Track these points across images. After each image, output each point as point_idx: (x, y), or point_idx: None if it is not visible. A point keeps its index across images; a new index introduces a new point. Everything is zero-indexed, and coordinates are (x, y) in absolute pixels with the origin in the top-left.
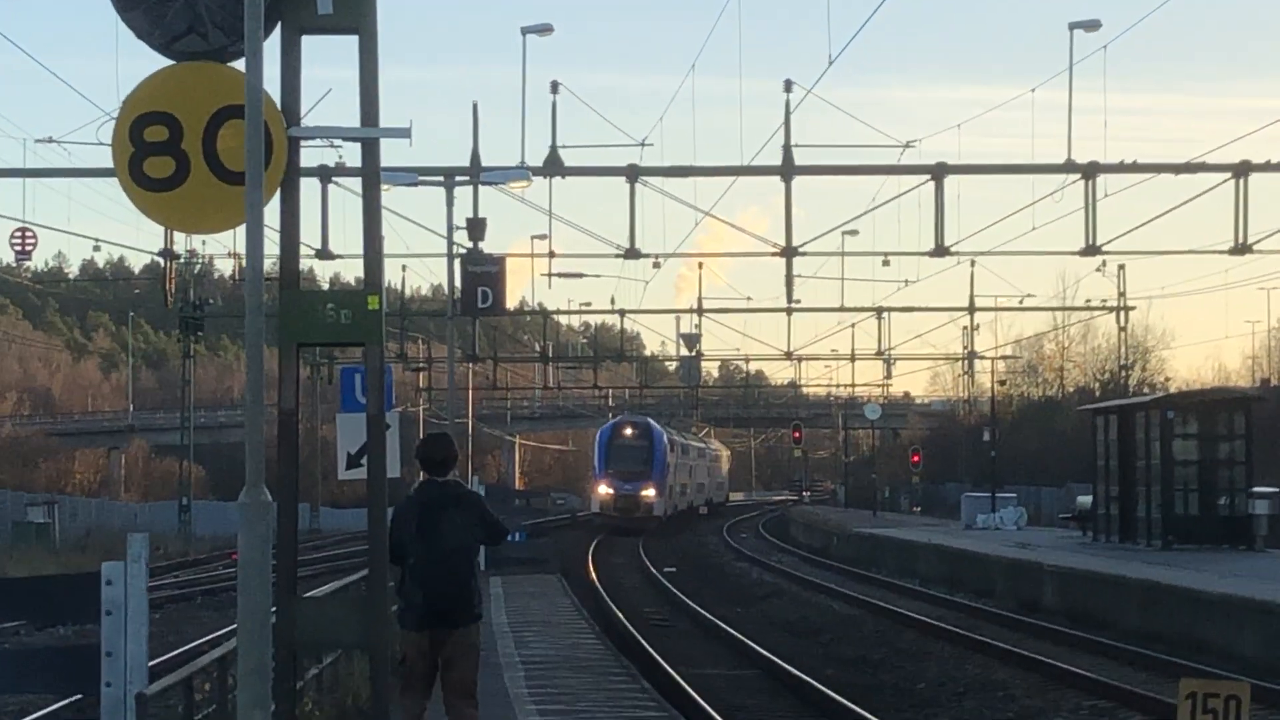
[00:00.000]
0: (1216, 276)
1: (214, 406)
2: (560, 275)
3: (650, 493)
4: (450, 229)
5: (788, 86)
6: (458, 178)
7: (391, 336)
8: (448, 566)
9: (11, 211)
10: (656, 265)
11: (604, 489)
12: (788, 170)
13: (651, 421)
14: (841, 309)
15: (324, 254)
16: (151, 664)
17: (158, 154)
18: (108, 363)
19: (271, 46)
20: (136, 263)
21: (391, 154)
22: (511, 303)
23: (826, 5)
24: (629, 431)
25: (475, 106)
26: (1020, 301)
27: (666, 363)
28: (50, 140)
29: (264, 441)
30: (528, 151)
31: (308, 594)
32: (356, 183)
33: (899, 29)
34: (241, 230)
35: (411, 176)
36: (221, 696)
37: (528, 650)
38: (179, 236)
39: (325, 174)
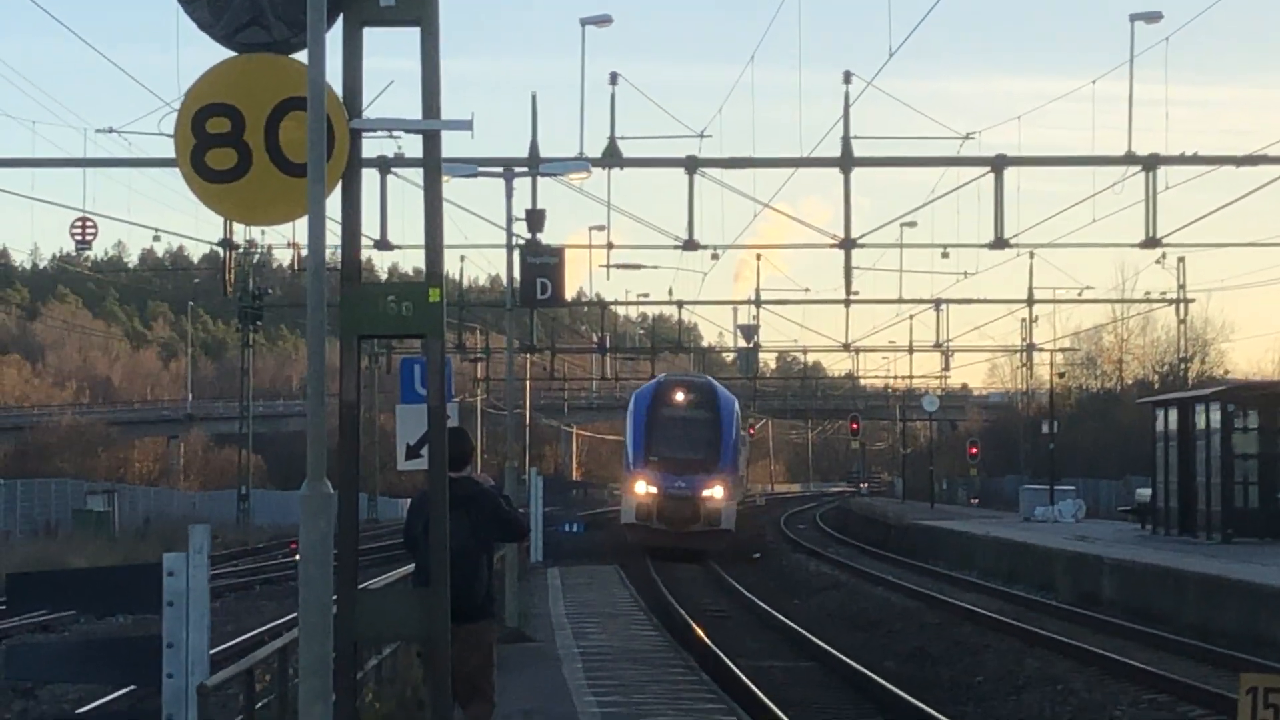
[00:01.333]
0: (1278, 269)
1: (272, 396)
2: (618, 266)
3: (718, 493)
4: (509, 220)
5: (847, 78)
6: (516, 169)
7: (450, 327)
8: (454, 568)
9: (72, 201)
10: (715, 257)
11: (643, 488)
12: (847, 162)
13: (714, 382)
14: (900, 301)
15: (383, 245)
16: (212, 653)
17: (220, 145)
18: (167, 352)
19: (333, 38)
20: (196, 252)
21: (452, 145)
22: (569, 293)
23: None
24: (683, 396)
25: (534, 98)
26: (1079, 294)
27: (724, 354)
28: (110, 130)
29: (326, 433)
30: (586, 143)
31: (367, 585)
32: (415, 173)
33: (959, 21)
34: (302, 222)
35: (471, 168)
36: (282, 687)
37: (586, 642)
38: (238, 227)
39: (384, 165)
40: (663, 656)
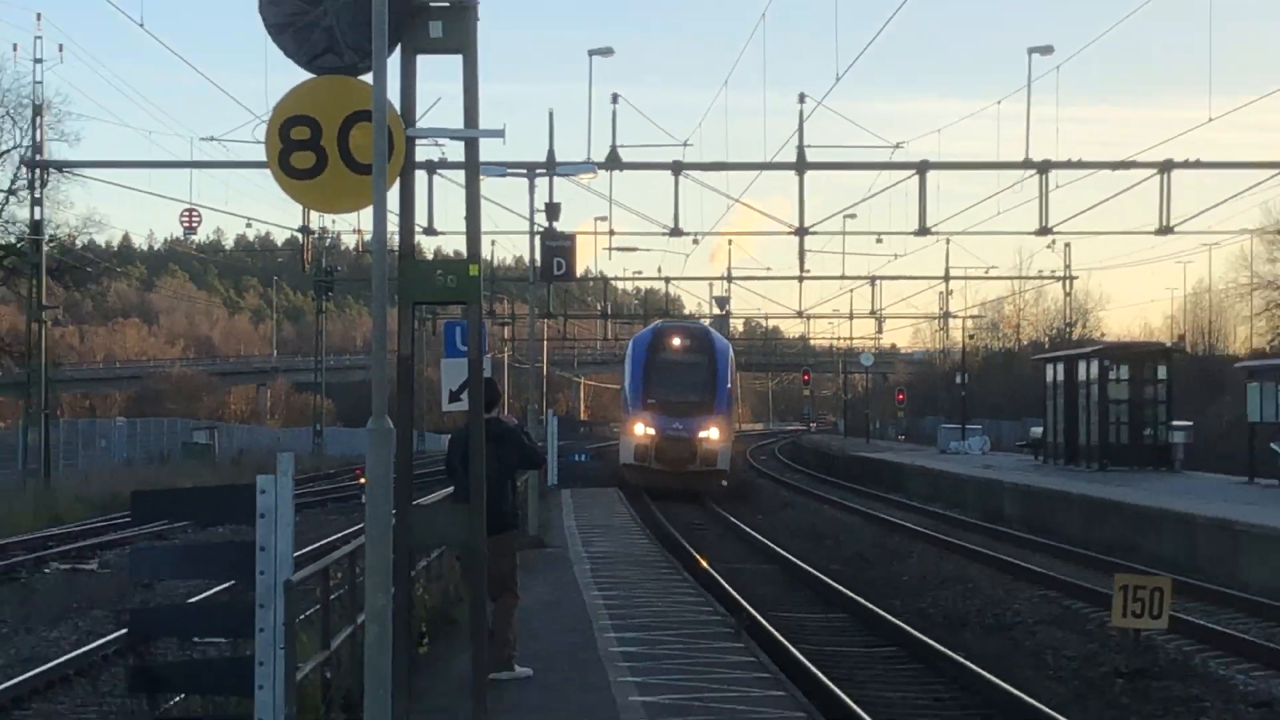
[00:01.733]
0: (1144, 252)
1: (341, 353)
2: (618, 249)
3: (714, 434)
4: (531, 211)
5: (801, 99)
6: (537, 171)
7: (484, 297)
8: (486, 490)
9: (180, 195)
10: (695, 242)
11: (641, 429)
12: (801, 166)
13: (709, 328)
14: (843, 277)
15: (430, 231)
16: (294, 556)
17: (301, 149)
18: (256, 317)
19: (392, 63)
20: (279, 237)
21: (486, 151)
22: (579, 271)
23: (835, 31)
24: (680, 341)
25: (551, 114)
26: (986, 272)
27: (702, 319)
28: (212, 139)
29: (386, 381)
30: (593, 150)
31: (418, 503)
32: (458, 174)
33: (894, 51)
34: (367, 211)
35: (501, 170)
36: (351, 584)
37: (592, 548)
38: (314, 215)
39: (431, 167)
40: (653, 559)
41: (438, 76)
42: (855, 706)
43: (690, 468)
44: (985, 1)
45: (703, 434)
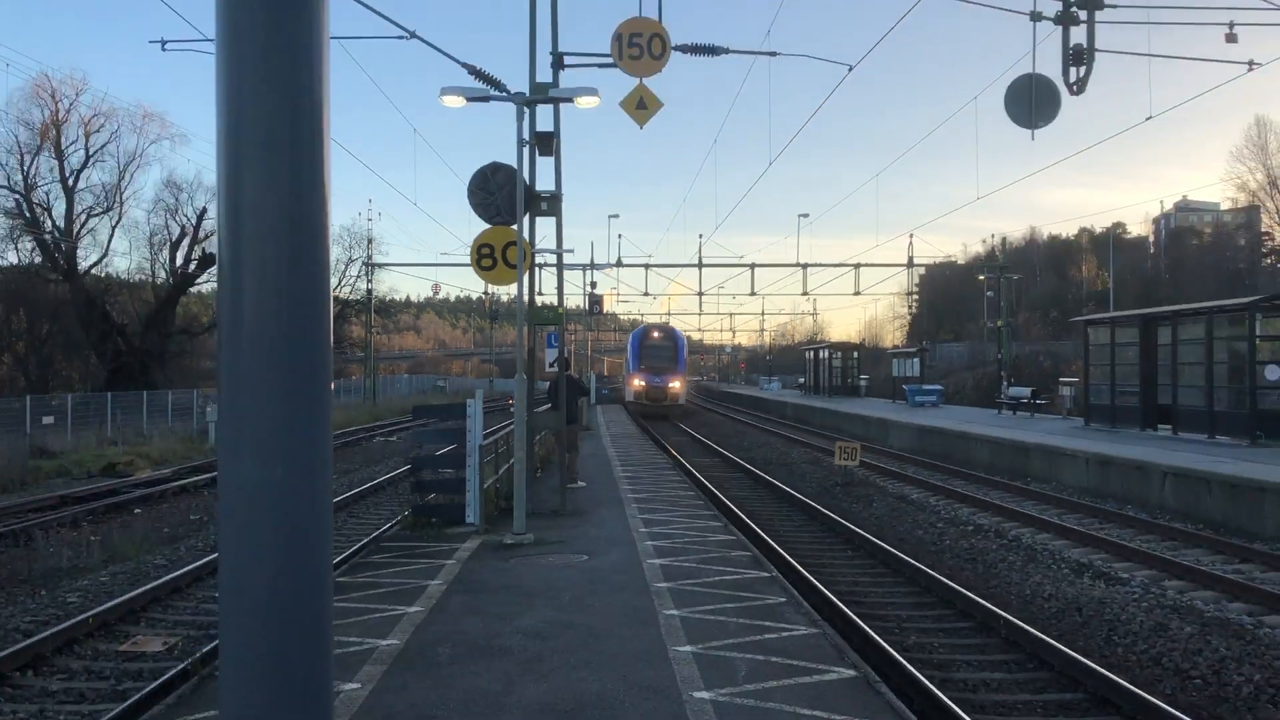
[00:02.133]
0: (848, 301)
1: (504, 347)
2: (620, 300)
3: (676, 385)
4: (587, 289)
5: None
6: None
7: (562, 322)
8: (568, 405)
9: (431, 275)
10: (655, 298)
11: (638, 381)
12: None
13: (674, 327)
14: (719, 313)
15: (537, 294)
16: (487, 432)
17: (486, 258)
18: (465, 330)
19: (525, 221)
20: (474, 295)
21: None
22: (605, 310)
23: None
24: (657, 335)
25: (610, 220)
26: (780, 310)
27: (668, 319)
28: (444, 254)
29: (523, 359)
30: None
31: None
32: (552, 269)
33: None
34: (513, 286)
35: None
36: (507, 446)
37: (612, 430)
38: (489, 287)
39: (540, 265)
40: (640, 435)
41: (545, 224)
42: (719, 493)
43: (664, 402)
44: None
45: (671, 384)
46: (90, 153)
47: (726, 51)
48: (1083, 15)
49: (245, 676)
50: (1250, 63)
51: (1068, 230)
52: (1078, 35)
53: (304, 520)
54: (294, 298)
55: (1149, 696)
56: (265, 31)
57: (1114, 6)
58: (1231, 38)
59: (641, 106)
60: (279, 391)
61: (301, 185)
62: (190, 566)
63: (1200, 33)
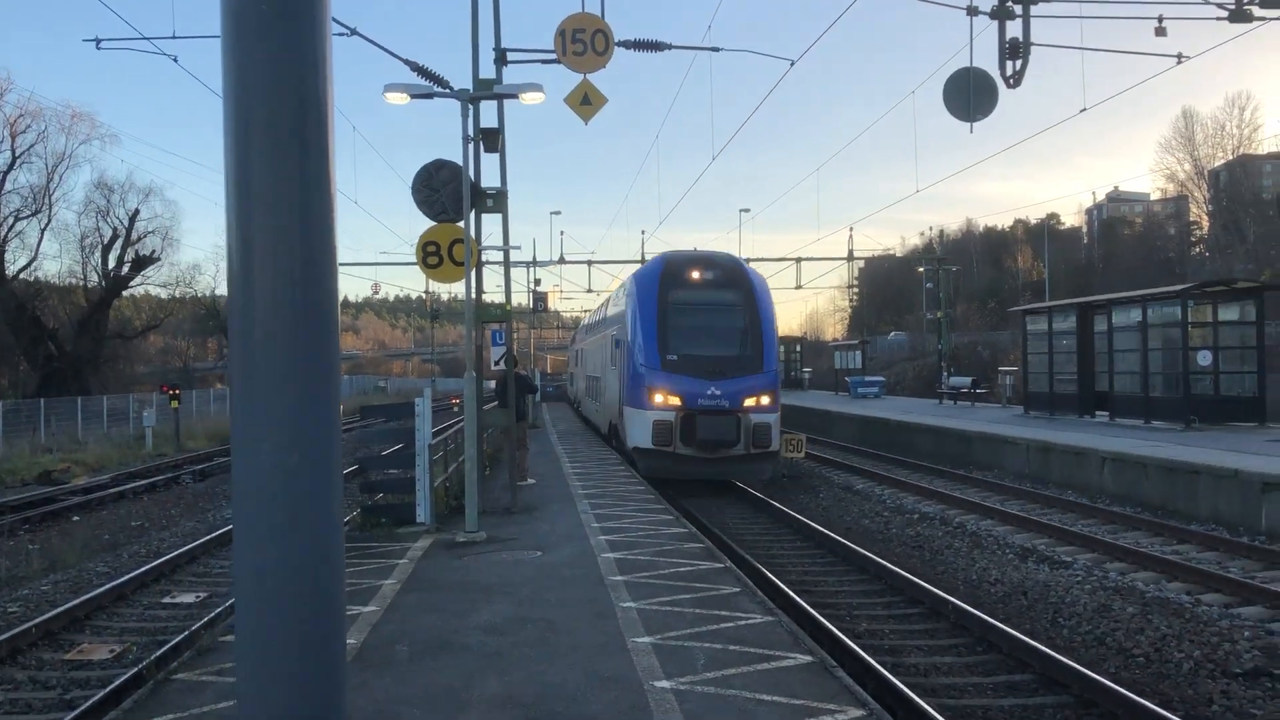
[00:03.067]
0: (790, 295)
1: (445, 346)
2: (564, 298)
3: (765, 402)
4: (530, 287)
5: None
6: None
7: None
8: (518, 401)
9: (370, 275)
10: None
11: (661, 399)
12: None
13: (740, 261)
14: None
15: (482, 292)
16: (432, 430)
17: (432, 255)
18: (404, 329)
19: (470, 217)
20: (414, 294)
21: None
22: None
23: None
24: (704, 273)
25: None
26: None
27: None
28: (385, 252)
29: (472, 357)
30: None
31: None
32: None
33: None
34: (461, 283)
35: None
36: (455, 447)
37: (558, 427)
38: (432, 285)
39: (487, 262)
40: (584, 431)
41: (490, 221)
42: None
43: (734, 450)
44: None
45: (750, 401)
46: (17, 154)
47: (669, 47)
48: (1018, 9)
49: (262, 656)
50: (1179, 56)
51: (1003, 222)
52: (1014, 29)
53: (318, 502)
54: (306, 291)
55: (1095, 675)
56: (272, 31)
57: (1049, 0)
58: (1161, 31)
59: (586, 102)
60: (293, 382)
61: (310, 178)
62: (134, 573)
63: (1131, 27)
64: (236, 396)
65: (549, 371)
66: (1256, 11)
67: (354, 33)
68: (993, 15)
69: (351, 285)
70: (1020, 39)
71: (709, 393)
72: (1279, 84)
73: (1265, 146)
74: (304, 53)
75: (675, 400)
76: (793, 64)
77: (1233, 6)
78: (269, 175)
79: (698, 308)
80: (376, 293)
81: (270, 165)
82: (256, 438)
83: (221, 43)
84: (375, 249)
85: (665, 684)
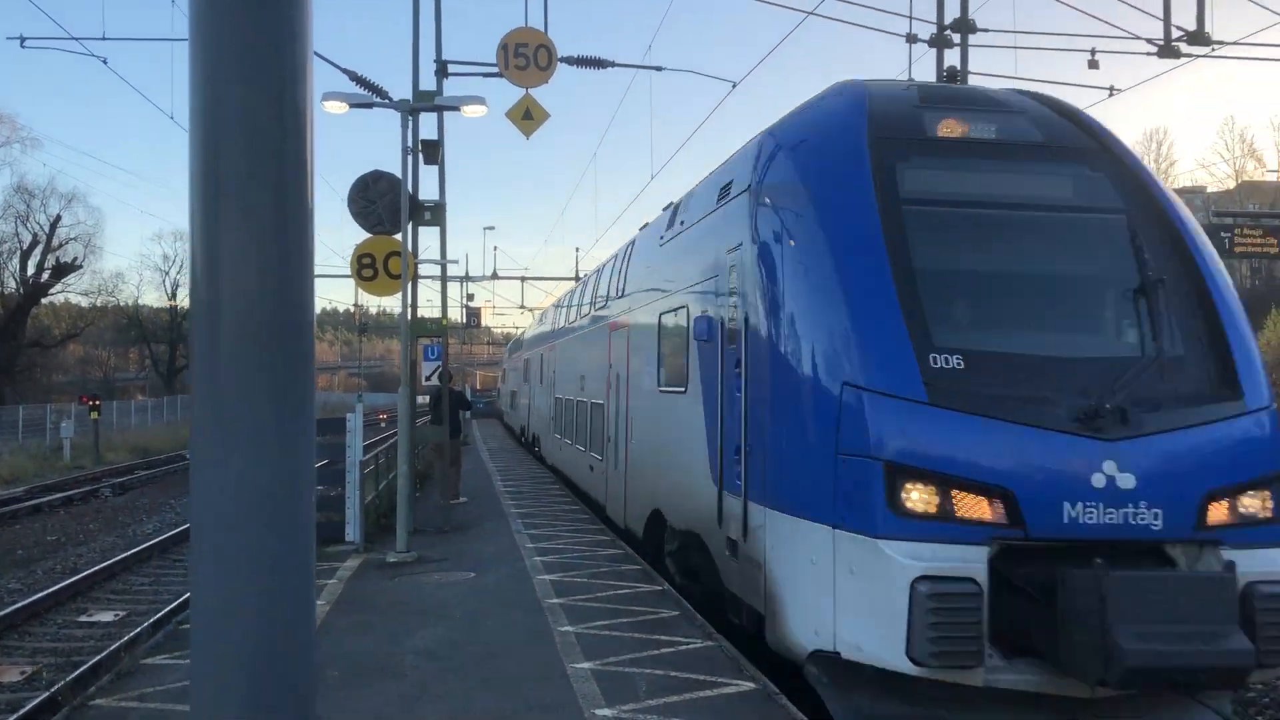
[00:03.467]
0: None
1: (373, 360)
2: (496, 314)
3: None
4: (464, 300)
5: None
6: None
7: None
8: (451, 418)
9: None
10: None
11: (928, 497)
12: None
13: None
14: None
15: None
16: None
17: (367, 268)
18: (331, 342)
19: (409, 230)
20: (342, 308)
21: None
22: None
23: None
24: (1006, 127)
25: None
26: None
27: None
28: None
29: (407, 372)
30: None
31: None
32: (436, 279)
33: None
34: (397, 296)
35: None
36: (387, 459)
37: (489, 444)
38: (362, 297)
39: (419, 276)
40: (515, 447)
41: (429, 235)
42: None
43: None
44: None
45: (1226, 509)
46: None
47: (612, 65)
48: (956, 38)
49: (221, 690)
50: (1111, 88)
51: None
52: (952, 57)
53: (291, 523)
54: (281, 295)
55: None
56: (244, 27)
57: (985, 31)
58: (1094, 64)
59: (528, 117)
60: (266, 395)
61: (287, 180)
62: (49, 590)
63: (1065, 59)
64: (200, 410)
65: (479, 388)
66: (1184, 48)
67: None
68: (931, 43)
69: None
70: (958, 67)
71: (1097, 477)
72: (1194, 120)
73: (1180, 181)
74: (281, 44)
75: (976, 507)
76: (735, 85)
77: (1161, 42)
78: (242, 177)
79: (1003, 223)
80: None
81: (244, 166)
82: (222, 455)
83: (190, 38)
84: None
85: (607, 712)
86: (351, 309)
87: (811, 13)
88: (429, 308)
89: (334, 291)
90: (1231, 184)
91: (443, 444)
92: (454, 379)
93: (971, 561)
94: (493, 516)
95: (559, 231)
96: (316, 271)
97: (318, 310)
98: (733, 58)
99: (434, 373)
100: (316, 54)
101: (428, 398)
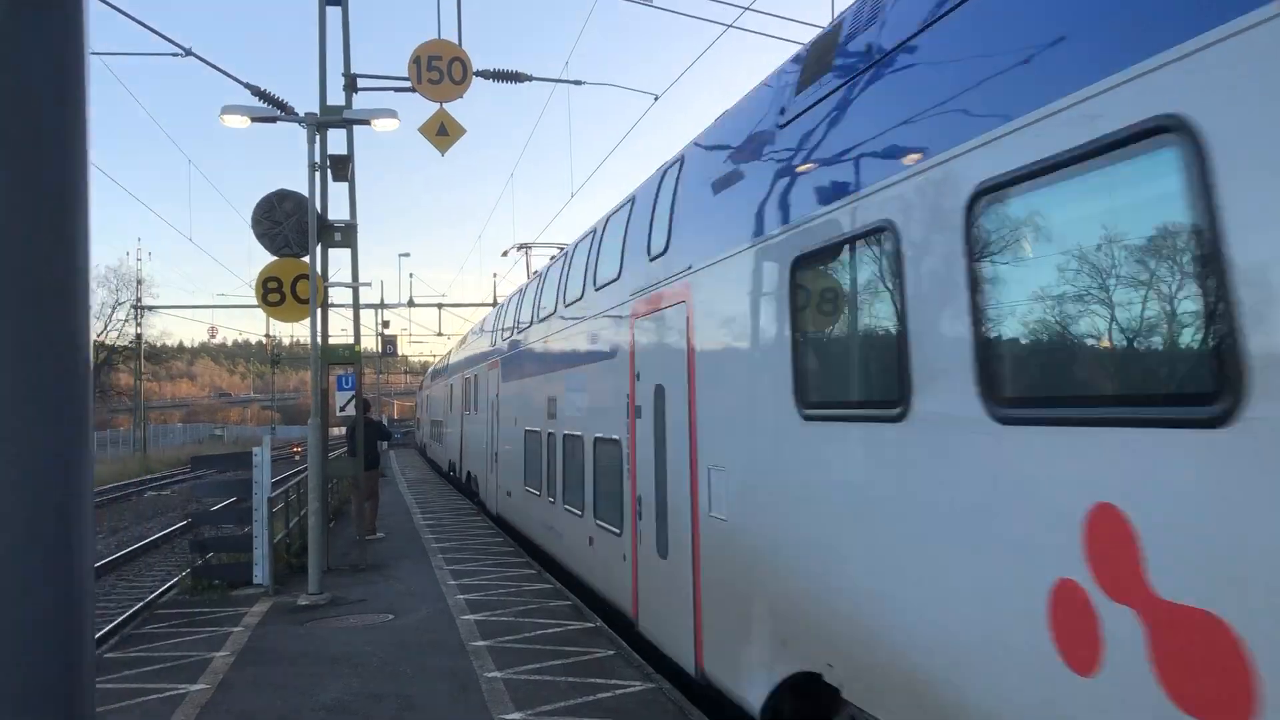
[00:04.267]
0: None
1: (286, 392)
2: (413, 342)
3: None
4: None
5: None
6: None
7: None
8: (367, 450)
9: (207, 317)
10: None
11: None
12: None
13: None
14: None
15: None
16: (272, 481)
17: (273, 292)
18: (243, 375)
19: (317, 252)
20: (254, 339)
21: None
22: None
23: None
24: None
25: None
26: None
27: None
28: (223, 294)
29: (318, 403)
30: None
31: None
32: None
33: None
34: (306, 322)
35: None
36: (300, 496)
37: (408, 475)
38: (272, 326)
39: (329, 302)
40: (434, 478)
41: (339, 259)
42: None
43: None
44: None
45: None
46: None
47: (529, 79)
48: None
49: None
50: None
51: None
52: None
53: (58, 584)
54: (46, 341)
55: None
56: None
57: None
58: None
59: (443, 133)
60: (26, 449)
61: (56, 215)
62: None
63: None
64: None
65: (396, 417)
66: None
67: (189, 53)
68: None
69: (186, 329)
70: None
71: None
72: None
73: None
74: (48, 59)
75: None
76: (656, 99)
77: None
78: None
79: None
80: (214, 337)
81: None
82: None
83: None
84: (212, 291)
85: None
86: (264, 339)
87: (731, 25)
88: (343, 336)
89: (246, 322)
90: None
91: (358, 477)
92: (371, 408)
93: None
94: (413, 553)
95: (476, 256)
96: (227, 302)
97: (228, 341)
98: (654, 71)
99: (348, 403)
100: (213, 65)
101: (344, 430)
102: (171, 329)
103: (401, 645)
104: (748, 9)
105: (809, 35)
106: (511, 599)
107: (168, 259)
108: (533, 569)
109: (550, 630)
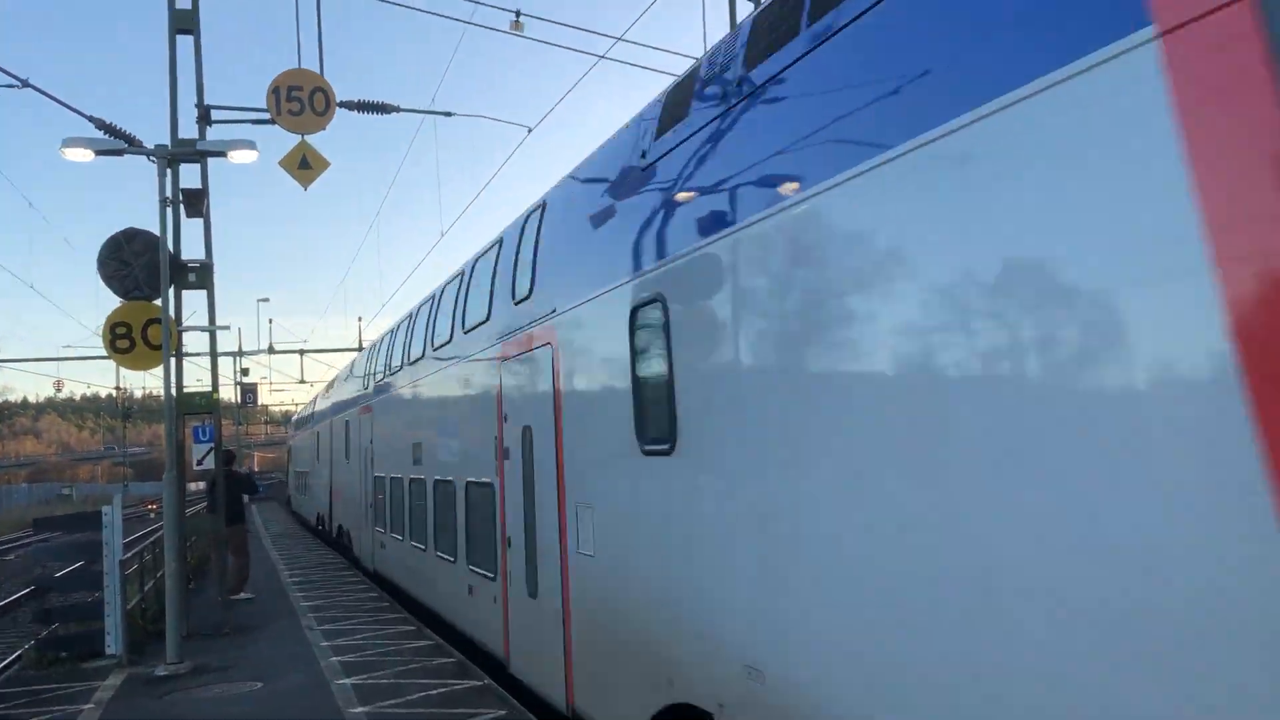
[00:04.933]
0: None
1: (140, 447)
2: (275, 391)
3: None
4: (236, 372)
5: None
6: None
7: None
8: (232, 503)
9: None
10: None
11: None
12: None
13: None
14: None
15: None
16: (125, 541)
17: (122, 338)
18: (93, 430)
19: (170, 294)
20: (103, 392)
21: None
22: (259, 402)
23: None
24: None
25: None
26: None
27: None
28: (69, 345)
29: (173, 455)
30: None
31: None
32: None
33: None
34: (158, 370)
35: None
36: (155, 557)
37: (271, 530)
38: (123, 376)
39: (187, 354)
40: (300, 532)
41: (193, 299)
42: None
43: None
44: None
45: None
46: None
47: (396, 110)
48: None
49: None
50: None
51: None
52: None
53: None
54: None
55: None
56: None
57: None
58: None
59: (305, 166)
60: None
61: None
62: None
63: None
64: None
65: (257, 470)
66: None
67: (26, 84)
68: None
69: (30, 384)
70: None
71: None
72: None
73: None
74: None
75: None
76: (530, 131)
77: None
78: None
79: None
80: (60, 391)
81: None
82: None
83: None
84: (58, 343)
85: None
86: (114, 391)
87: (603, 56)
88: (199, 386)
89: (94, 375)
90: None
91: (220, 533)
92: (235, 459)
93: None
94: (281, 613)
95: (340, 300)
96: (72, 353)
97: (75, 395)
98: (526, 103)
99: (205, 455)
100: (53, 97)
101: (203, 484)
102: (14, 383)
103: (270, 716)
104: (619, 39)
105: (681, 66)
106: (390, 658)
107: (7, 309)
108: (412, 625)
109: (435, 691)
